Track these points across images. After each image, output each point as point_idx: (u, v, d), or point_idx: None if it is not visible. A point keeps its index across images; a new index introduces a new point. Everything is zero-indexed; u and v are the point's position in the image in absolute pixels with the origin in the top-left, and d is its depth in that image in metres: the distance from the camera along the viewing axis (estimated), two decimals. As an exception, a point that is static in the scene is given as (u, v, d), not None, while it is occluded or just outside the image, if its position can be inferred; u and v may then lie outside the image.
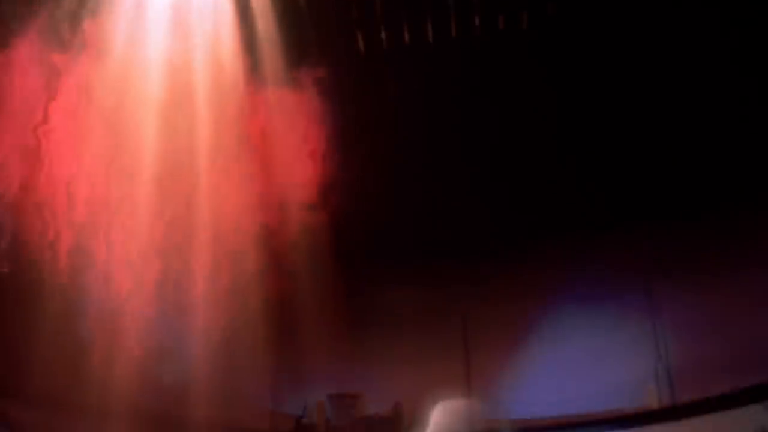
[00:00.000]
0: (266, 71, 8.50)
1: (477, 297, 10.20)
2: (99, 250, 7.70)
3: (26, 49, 7.72)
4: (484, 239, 9.86)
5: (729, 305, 9.38)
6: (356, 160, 9.02)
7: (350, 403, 10.62)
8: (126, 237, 7.72)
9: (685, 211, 9.61)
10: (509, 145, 9.80)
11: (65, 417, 7.56)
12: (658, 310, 9.74)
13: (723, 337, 9.27)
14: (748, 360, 8.97)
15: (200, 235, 8.22)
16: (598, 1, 9.32)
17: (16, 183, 7.60)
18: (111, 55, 7.89)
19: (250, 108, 8.27)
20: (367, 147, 9.04)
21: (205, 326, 7.88)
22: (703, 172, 9.42)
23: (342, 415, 10.60)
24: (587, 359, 10.01)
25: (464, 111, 9.68)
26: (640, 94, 9.46)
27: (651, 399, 9.60)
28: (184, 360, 8.03)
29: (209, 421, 8.49)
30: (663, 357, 9.66)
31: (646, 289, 9.78)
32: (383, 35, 9.28)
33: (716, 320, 9.32)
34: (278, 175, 8.84)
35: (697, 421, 9.36)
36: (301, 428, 10.56)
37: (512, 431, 10.04)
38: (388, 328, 9.87)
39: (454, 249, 9.96)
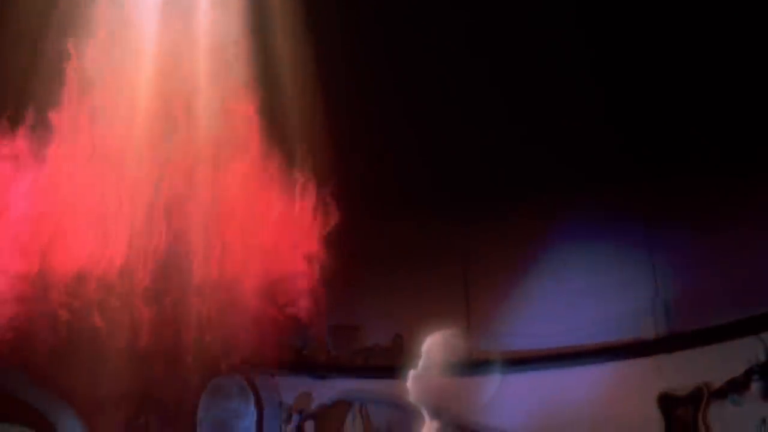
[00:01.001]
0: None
1: (477, 234, 10.24)
2: None
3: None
4: (486, 178, 9.84)
5: (727, 240, 9.42)
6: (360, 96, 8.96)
7: (350, 335, 10.79)
8: None
9: (686, 148, 9.57)
10: (512, 85, 9.71)
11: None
12: (656, 244, 9.78)
13: (720, 272, 9.35)
14: (743, 293, 9.07)
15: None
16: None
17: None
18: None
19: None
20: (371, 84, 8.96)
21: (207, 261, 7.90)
22: (704, 111, 9.36)
23: (342, 346, 10.78)
24: (585, 293, 10.11)
25: (471, 52, 9.55)
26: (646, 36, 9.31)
27: (647, 331, 9.73)
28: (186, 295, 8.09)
29: (212, 354, 8.60)
30: (660, 290, 9.75)
31: (646, 223, 9.79)
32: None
33: (714, 255, 9.38)
34: None
35: (692, 353, 9.53)
36: (302, 360, 10.74)
37: (503, 362, 10.22)
38: (389, 262, 9.93)
39: (456, 188, 9.95)
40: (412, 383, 8.70)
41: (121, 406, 7.55)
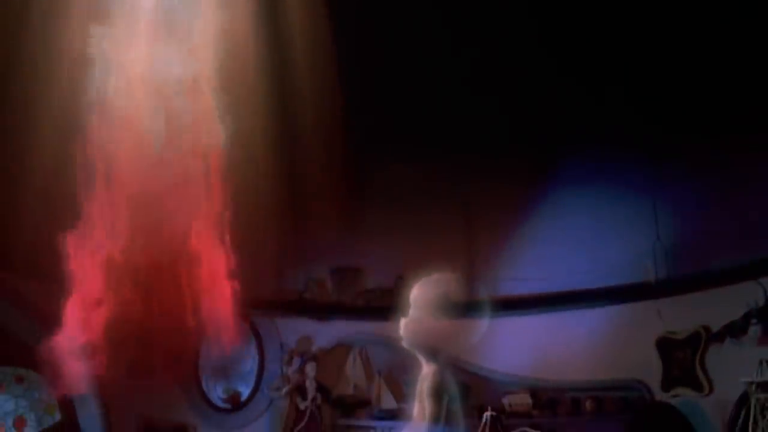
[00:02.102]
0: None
1: (479, 177, 10.17)
2: None
3: None
4: (488, 119, 9.75)
5: (730, 183, 9.39)
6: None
7: (351, 277, 10.82)
8: None
9: (689, 88, 9.46)
10: (514, 26, 9.56)
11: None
12: (659, 186, 9.74)
13: (722, 216, 9.34)
14: (745, 237, 9.08)
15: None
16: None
17: None
18: None
19: None
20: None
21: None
22: (708, 47, 9.22)
23: (343, 288, 10.82)
24: (586, 236, 10.11)
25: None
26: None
27: (648, 274, 9.75)
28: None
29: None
30: (661, 233, 9.74)
31: (648, 165, 9.74)
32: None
33: (717, 198, 9.35)
34: None
35: (692, 296, 9.57)
36: (303, 302, 10.79)
37: (502, 305, 10.25)
38: (391, 204, 9.89)
39: (457, 130, 9.86)
40: (404, 329, 8.74)
41: (124, 349, 7.55)
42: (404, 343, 8.85)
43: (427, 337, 8.67)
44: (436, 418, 8.44)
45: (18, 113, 7.93)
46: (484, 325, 10.42)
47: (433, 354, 8.68)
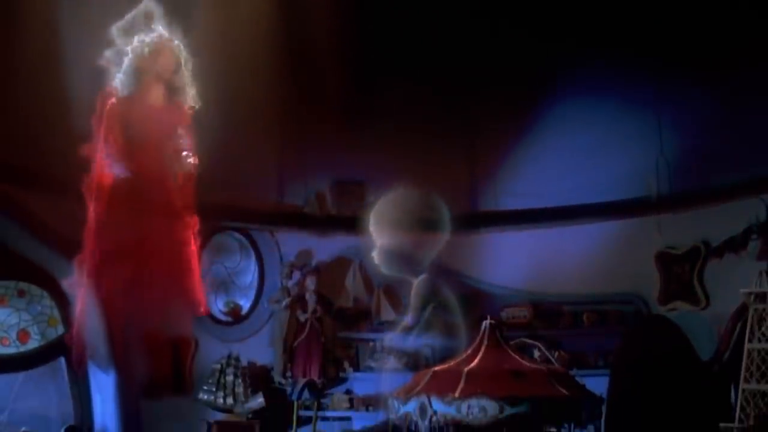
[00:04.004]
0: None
1: (482, 90, 10.01)
2: None
3: None
4: (493, 36, 9.55)
5: (735, 98, 9.29)
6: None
7: (352, 192, 10.76)
8: None
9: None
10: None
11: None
12: (662, 102, 9.63)
13: (725, 131, 9.27)
14: (749, 154, 9.04)
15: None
16: None
17: None
18: None
19: None
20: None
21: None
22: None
23: (344, 203, 10.77)
24: (589, 151, 10.05)
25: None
26: None
27: (650, 190, 9.74)
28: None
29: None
30: (665, 148, 9.69)
31: (653, 79, 9.59)
32: None
33: (722, 113, 9.26)
34: None
35: (693, 212, 9.61)
36: (303, 216, 10.75)
37: (504, 219, 10.29)
38: (393, 119, 9.74)
39: (461, 46, 9.65)
40: (377, 259, 8.80)
41: (124, 260, 7.52)
42: (383, 271, 8.97)
43: (399, 258, 8.77)
44: (413, 324, 8.61)
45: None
46: (487, 241, 10.58)
47: (412, 269, 8.80)
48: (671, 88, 9.55)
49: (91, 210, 7.35)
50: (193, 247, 7.73)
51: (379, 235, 8.81)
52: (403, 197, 8.71)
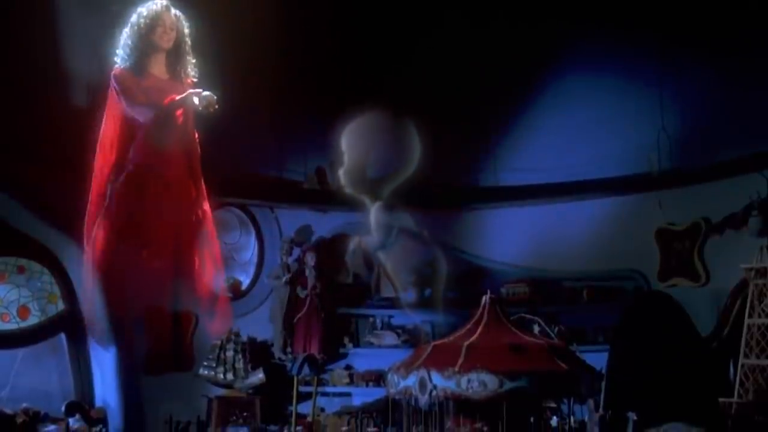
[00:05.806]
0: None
1: (486, 65, 9.95)
2: None
3: None
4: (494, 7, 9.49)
5: (736, 75, 9.25)
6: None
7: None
8: None
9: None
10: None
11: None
12: (664, 78, 9.58)
13: (727, 108, 9.24)
14: (749, 130, 9.01)
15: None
16: None
17: None
18: None
19: None
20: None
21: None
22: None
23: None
24: (590, 127, 10.00)
25: None
26: None
27: (651, 166, 9.70)
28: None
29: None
30: (667, 124, 9.64)
31: (653, 57, 9.54)
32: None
33: (723, 89, 9.23)
34: None
35: (694, 188, 9.58)
36: (303, 193, 10.72)
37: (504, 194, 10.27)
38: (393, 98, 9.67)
39: (463, 22, 9.59)
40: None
41: (122, 237, 7.49)
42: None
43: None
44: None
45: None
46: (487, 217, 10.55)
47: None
48: (673, 65, 9.49)
49: (94, 185, 7.31)
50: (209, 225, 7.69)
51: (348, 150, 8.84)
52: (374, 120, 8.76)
